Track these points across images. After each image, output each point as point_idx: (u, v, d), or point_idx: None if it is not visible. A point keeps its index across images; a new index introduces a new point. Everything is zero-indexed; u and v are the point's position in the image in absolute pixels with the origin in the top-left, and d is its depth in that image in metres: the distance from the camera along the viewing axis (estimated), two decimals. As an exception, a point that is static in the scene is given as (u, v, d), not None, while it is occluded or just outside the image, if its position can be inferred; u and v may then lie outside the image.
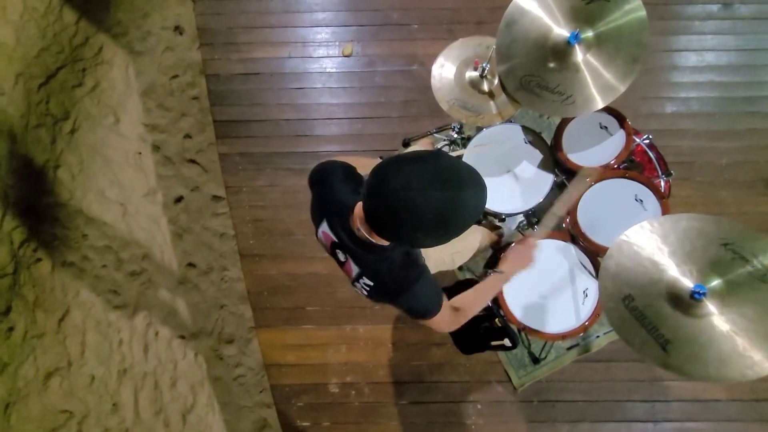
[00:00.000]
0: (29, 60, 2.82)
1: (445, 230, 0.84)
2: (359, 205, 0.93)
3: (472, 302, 1.22)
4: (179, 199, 2.74)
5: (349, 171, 1.09)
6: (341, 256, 1.06)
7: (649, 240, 1.18)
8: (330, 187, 1.06)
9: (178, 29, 2.86)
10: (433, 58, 1.54)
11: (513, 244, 1.23)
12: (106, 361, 2.65)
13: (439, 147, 2.00)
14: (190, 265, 2.69)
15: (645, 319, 1.14)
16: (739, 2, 2.39)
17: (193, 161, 2.75)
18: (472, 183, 0.83)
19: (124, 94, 2.91)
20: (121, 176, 2.83)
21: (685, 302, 1.10)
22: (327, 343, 2.15)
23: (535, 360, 2.03)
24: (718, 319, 1.08)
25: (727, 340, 1.06)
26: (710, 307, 1.08)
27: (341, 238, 1.02)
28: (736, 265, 1.09)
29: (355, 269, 1.04)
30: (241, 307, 2.55)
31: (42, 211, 2.76)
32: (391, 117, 2.33)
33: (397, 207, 0.81)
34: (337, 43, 2.40)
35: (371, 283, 1.03)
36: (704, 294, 1.07)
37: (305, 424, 2.12)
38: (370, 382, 2.10)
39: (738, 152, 2.24)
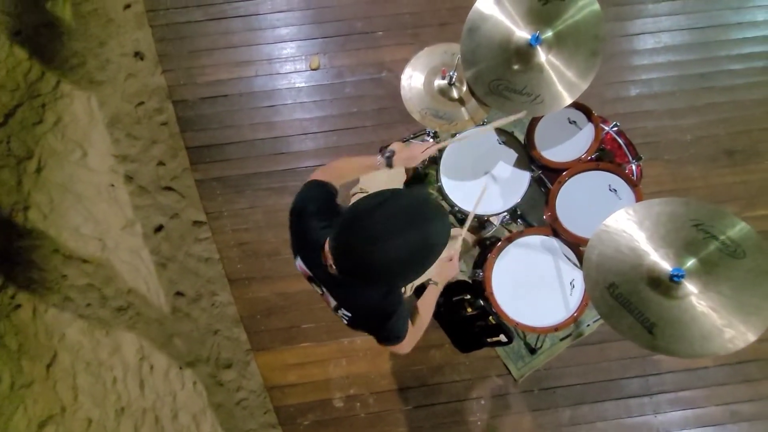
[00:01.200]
0: (-19, 100, 2.71)
1: (421, 266, 0.85)
2: (329, 241, 0.94)
3: (422, 319, 1.25)
4: (159, 228, 2.68)
5: (323, 205, 1.07)
6: (318, 289, 1.08)
7: (626, 228, 1.22)
8: (304, 223, 1.05)
9: (138, 55, 2.79)
10: (400, 63, 1.55)
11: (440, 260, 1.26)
12: (102, 402, 2.58)
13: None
14: (178, 293, 2.64)
15: (630, 305, 1.18)
16: (688, -18, 2.48)
17: (169, 188, 2.69)
18: (435, 215, 0.84)
19: (89, 126, 2.82)
20: (95, 211, 2.75)
21: (665, 285, 1.15)
22: (326, 358, 2.15)
23: (532, 350, 2.08)
24: (697, 298, 1.13)
25: (708, 318, 1.11)
26: (689, 287, 1.13)
27: (316, 273, 1.04)
28: (708, 243, 1.14)
29: (332, 301, 1.06)
30: (236, 331, 2.52)
31: (16, 256, 2.66)
32: (365, 126, 2.34)
33: (370, 265, 0.82)
34: (303, 57, 2.39)
35: (349, 314, 1.05)
36: (683, 276, 1.12)
37: (313, 441, 2.12)
38: (374, 391, 2.11)
39: (700, 128, 2.34)
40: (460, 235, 1.27)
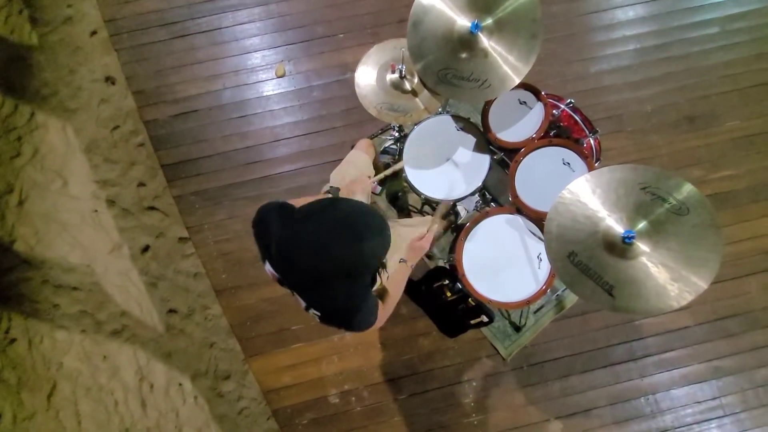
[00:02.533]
0: (-45, 139, 2.73)
1: (361, 273, 0.92)
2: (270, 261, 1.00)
3: (392, 298, 1.29)
4: (146, 249, 2.71)
5: (283, 211, 1.11)
6: (288, 290, 1.12)
7: (580, 197, 1.28)
8: (265, 229, 1.09)
9: (109, 80, 2.82)
10: (364, 55, 1.60)
11: (411, 239, 1.34)
12: (105, 425, 2.61)
13: (385, 146, 2.07)
14: (171, 311, 2.67)
15: (590, 271, 1.24)
16: (636, -42, 2.56)
17: (152, 208, 2.72)
18: (367, 225, 0.90)
19: (67, 154, 2.85)
20: (81, 238, 2.78)
21: (619, 247, 1.20)
22: (319, 357, 2.19)
23: (517, 328, 2.14)
24: (649, 257, 1.19)
25: (660, 274, 1.17)
26: (641, 247, 1.19)
27: (285, 278, 1.07)
28: (655, 204, 1.20)
29: (302, 302, 1.10)
30: (231, 342, 2.55)
31: (6, 290, 2.68)
32: (335, 127, 2.39)
33: (307, 279, 0.90)
34: (269, 66, 2.44)
35: (319, 314, 1.09)
36: (633, 237, 1.18)
37: (313, 440, 2.16)
38: (368, 384, 2.16)
39: (659, 97, 2.41)
40: (434, 222, 1.34)
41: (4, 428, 2.53)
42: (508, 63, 1.35)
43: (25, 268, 2.73)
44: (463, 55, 1.37)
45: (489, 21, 1.33)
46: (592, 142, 1.72)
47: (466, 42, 1.34)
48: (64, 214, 2.80)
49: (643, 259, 1.18)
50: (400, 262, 1.33)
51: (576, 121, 1.71)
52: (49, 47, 2.90)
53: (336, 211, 0.90)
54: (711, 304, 2.22)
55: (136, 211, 2.75)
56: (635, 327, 2.19)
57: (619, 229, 1.21)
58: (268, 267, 1.11)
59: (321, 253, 0.87)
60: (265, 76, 2.44)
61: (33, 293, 2.69)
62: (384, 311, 1.23)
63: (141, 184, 2.73)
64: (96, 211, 2.79)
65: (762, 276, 2.25)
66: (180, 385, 2.66)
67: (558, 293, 2.06)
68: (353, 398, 2.15)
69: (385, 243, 0.92)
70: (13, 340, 2.66)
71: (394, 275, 1.33)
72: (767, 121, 2.40)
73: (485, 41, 1.34)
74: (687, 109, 2.41)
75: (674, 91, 2.42)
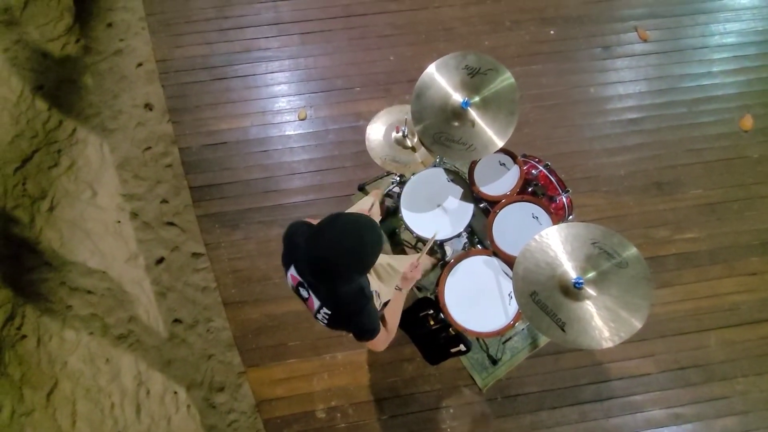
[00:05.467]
0: (3, 146, 3.03)
1: (365, 261, 1.23)
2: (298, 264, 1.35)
3: (392, 320, 1.55)
4: (160, 260, 2.92)
5: (309, 226, 1.44)
6: (304, 293, 1.38)
7: (543, 247, 1.55)
8: (295, 239, 1.40)
9: (147, 106, 3.17)
10: (375, 114, 1.93)
11: (404, 269, 1.60)
12: (99, 427, 2.70)
13: (388, 189, 2.37)
14: (176, 320, 2.83)
15: (547, 308, 1.48)
16: (616, 45, 2.97)
17: (171, 223, 2.96)
18: (362, 228, 1.22)
19: (100, 169, 3.13)
20: (102, 246, 3.00)
21: (571, 291, 1.45)
22: (311, 373, 2.37)
23: (494, 361, 2.33)
24: (595, 300, 1.43)
25: (603, 315, 1.41)
26: (589, 291, 1.44)
27: (305, 278, 1.36)
28: (602, 258, 1.46)
29: (316, 303, 1.37)
30: (229, 355, 2.71)
31: (24, 288, 2.87)
32: (345, 167, 2.70)
33: (327, 263, 1.21)
34: (292, 110, 2.79)
35: (330, 312, 1.35)
36: (582, 283, 1.43)
37: (298, 452, 2.29)
38: (353, 403, 2.32)
39: (632, 164, 2.73)
40: (423, 254, 1.60)
41: (1, 421, 2.63)
42: (491, 132, 1.66)
43: (45, 270, 2.93)
44: (455, 123, 1.69)
45: (476, 99, 1.66)
46: (564, 199, 2.00)
47: (458, 113, 1.67)
48: (89, 223, 3.04)
49: (590, 302, 1.43)
50: (396, 289, 1.58)
51: (551, 180, 2.00)
52: (98, 73, 3.25)
53: (343, 218, 1.24)
54: (673, 354, 2.42)
55: (156, 225, 2.99)
56: (602, 370, 2.38)
57: (572, 275, 1.46)
58: (291, 271, 1.38)
59: (337, 246, 1.19)
60: (288, 118, 2.79)
61: (50, 293, 2.87)
62: (385, 334, 1.47)
63: (164, 201, 2.99)
64: (119, 222, 3.02)
65: (720, 332, 2.46)
66: (175, 393, 2.78)
67: (524, 327, 2.27)
68: (339, 414, 2.31)
69: (378, 235, 1.24)
70: (23, 337, 2.80)
71: (392, 302, 1.57)
72: (727, 191, 2.70)
73: (473, 114, 1.66)
74: (656, 175, 2.72)
75: (646, 159, 2.75)
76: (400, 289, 1.58)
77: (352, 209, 1.92)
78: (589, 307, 1.42)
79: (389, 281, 1.70)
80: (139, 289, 2.95)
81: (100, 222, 3.06)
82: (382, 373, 2.36)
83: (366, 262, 1.23)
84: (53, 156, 3.20)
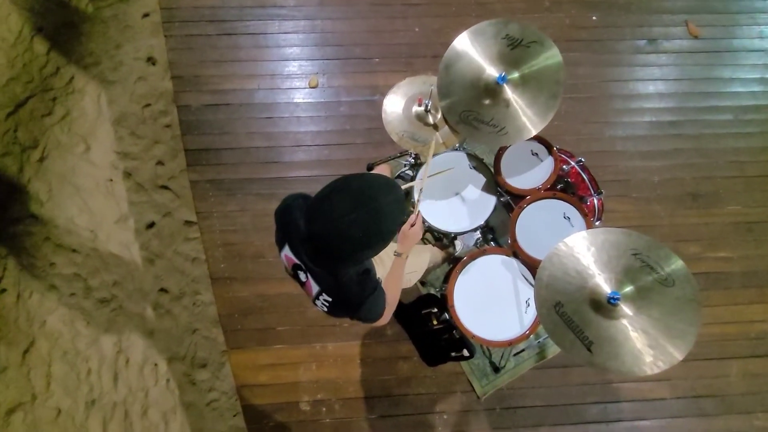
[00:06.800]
0: (-5, 89, 2.84)
1: (378, 237, 0.98)
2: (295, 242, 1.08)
3: (392, 293, 1.31)
4: (151, 225, 2.77)
5: (306, 199, 1.20)
6: (302, 276, 1.17)
7: (574, 252, 1.34)
8: (291, 215, 1.17)
9: (150, 60, 2.96)
10: (394, 85, 1.70)
11: (402, 228, 1.33)
12: (74, 392, 2.60)
13: (400, 171, 2.16)
14: (163, 290, 2.70)
15: (573, 323, 1.29)
16: (663, 38, 2.71)
17: (165, 187, 2.80)
18: (384, 191, 0.97)
19: (96, 122, 2.95)
20: (91, 203, 2.85)
21: (604, 306, 1.26)
22: (298, 361, 2.21)
23: (496, 369, 2.16)
24: (631, 320, 1.24)
25: (639, 338, 1.22)
26: (625, 309, 1.25)
27: (303, 260, 1.14)
28: (644, 272, 1.26)
29: (315, 288, 1.15)
30: (214, 331, 2.57)
31: (8, 240, 2.73)
32: (356, 143, 2.49)
33: (330, 243, 0.96)
34: (303, 76, 2.56)
35: (330, 299, 1.14)
36: (619, 299, 1.23)
37: (277, 443, 2.16)
38: (341, 398, 2.17)
39: (667, 170, 2.50)
40: (418, 204, 1.36)
41: (-27, 378, 2.52)
42: (526, 116, 1.44)
43: (31, 222, 2.78)
44: (487, 102, 1.46)
45: (515, 75, 1.43)
46: (595, 201, 1.79)
47: (492, 90, 1.44)
48: (80, 178, 2.88)
49: (625, 321, 1.23)
50: (394, 254, 1.34)
51: (583, 179, 1.79)
52: (102, 20, 3.04)
53: (356, 182, 0.99)
54: (691, 381, 2.24)
55: (150, 188, 2.83)
56: (612, 389, 2.21)
57: (606, 288, 1.27)
58: (285, 251, 1.17)
59: (347, 218, 0.93)
60: (298, 84, 2.56)
61: (33, 248, 2.74)
62: (388, 305, 1.25)
63: (160, 163, 2.82)
64: (111, 180, 2.86)
65: (744, 361, 2.28)
66: (155, 365, 2.66)
67: (540, 340, 2.09)
68: (324, 409, 2.16)
69: (401, 201, 0.99)
70: (3, 290, 2.69)
71: (391, 270, 1.34)
72: (767, 211, 2.48)
73: (509, 92, 1.44)
74: (692, 186, 2.49)
75: (682, 167, 2.52)
76: (399, 255, 1.33)
77: None
78: (624, 327, 1.23)
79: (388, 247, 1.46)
80: (127, 252, 2.82)
81: (91, 178, 2.91)
82: (374, 369, 2.19)
83: (380, 239, 0.99)
84: (48, 104, 3.02)
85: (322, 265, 1.09)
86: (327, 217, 0.95)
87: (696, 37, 2.71)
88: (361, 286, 1.14)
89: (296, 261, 1.15)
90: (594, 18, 2.71)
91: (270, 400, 2.17)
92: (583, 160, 1.80)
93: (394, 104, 1.62)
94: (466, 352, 1.81)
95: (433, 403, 2.17)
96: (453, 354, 1.85)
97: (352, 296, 1.13)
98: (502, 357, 2.13)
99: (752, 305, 2.34)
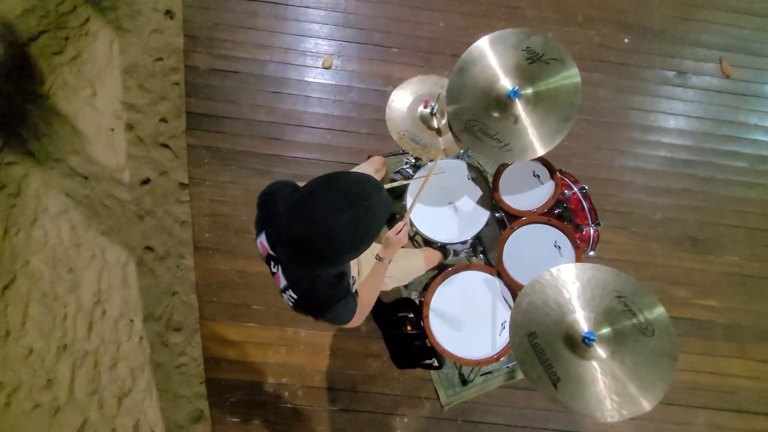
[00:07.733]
0: (10, 19, 2.78)
1: (364, 239, 0.95)
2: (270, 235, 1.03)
3: (368, 296, 1.28)
4: (146, 181, 2.74)
5: (294, 191, 1.16)
6: (273, 267, 1.14)
7: (558, 284, 1.30)
8: (274, 202, 1.13)
9: (168, 13, 2.87)
10: (406, 80, 1.63)
11: (386, 234, 1.29)
12: (47, 335, 2.61)
13: (400, 168, 2.11)
14: (148, 248, 2.68)
15: (543, 356, 1.26)
16: (693, 73, 2.61)
17: (165, 145, 2.75)
18: (375, 189, 0.94)
19: (105, 68, 2.89)
20: (89, 150, 2.81)
21: (578, 345, 1.22)
22: (268, 342, 2.21)
23: (464, 381, 2.15)
24: (602, 363, 1.20)
25: (607, 383, 1.18)
26: (598, 351, 1.21)
27: (278, 254, 1.10)
28: (625, 316, 1.23)
29: (283, 281, 1.12)
30: (193, 297, 2.56)
31: (2, 177, 2.70)
32: (360, 132, 2.43)
33: (316, 244, 0.91)
34: (318, 55, 2.49)
35: (295, 297, 1.11)
36: (594, 340, 1.20)
37: (235, 419, 2.16)
38: (305, 385, 2.17)
39: (671, 209, 2.44)
40: (410, 214, 1.33)
41: (-51, 305, 2.52)
42: (534, 135, 1.38)
43: (27, 161, 2.76)
44: (495, 114, 1.40)
45: (529, 90, 1.37)
46: (591, 231, 1.74)
47: (502, 103, 1.38)
48: (81, 123, 2.83)
49: (596, 363, 1.20)
50: (376, 258, 1.30)
51: (583, 207, 1.74)
52: (125, -36, 2.95)
53: (345, 181, 0.94)
54: (656, 423, 2.23)
55: (150, 143, 2.78)
56: (574, 419, 2.20)
57: (583, 327, 1.23)
58: (261, 239, 1.13)
59: (331, 219, 0.89)
60: (311, 62, 2.49)
61: (26, 186, 2.71)
62: (361, 308, 1.22)
63: (163, 120, 2.77)
64: (113, 130, 2.81)
65: (711, 413, 2.26)
66: (131, 321, 2.66)
67: (510, 365, 2.07)
68: (287, 393, 2.16)
69: (387, 205, 0.95)
70: (-10, 228, 2.67)
71: (370, 274, 1.31)
72: (765, 266, 2.42)
73: (520, 108, 1.38)
74: (694, 229, 2.43)
75: (687, 208, 2.45)
76: (381, 259, 1.29)
77: None
78: (593, 369, 1.20)
79: (371, 249, 1.42)
80: (118, 205, 2.79)
81: (93, 124, 2.86)
82: (343, 362, 2.19)
83: (365, 241, 0.95)
84: (60, 42, 2.96)
85: (302, 266, 1.04)
86: (315, 217, 0.90)
87: (728, 77, 2.61)
88: (332, 289, 1.10)
89: (270, 251, 1.12)
90: (626, 40, 2.61)
91: (235, 376, 2.17)
92: (586, 187, 1.75)
93: (401, 101, 1.55)
94: (435, 362, 1.80)
95: (395, 405, 2.17)
96: (423, 362, 1.84)
97: (320, 299, 1.10)
98: (471, 371, 2.12)
99: (730, 359, 2.31)
